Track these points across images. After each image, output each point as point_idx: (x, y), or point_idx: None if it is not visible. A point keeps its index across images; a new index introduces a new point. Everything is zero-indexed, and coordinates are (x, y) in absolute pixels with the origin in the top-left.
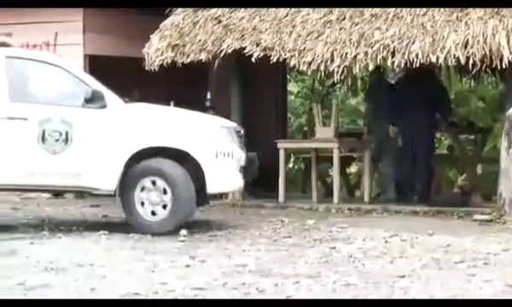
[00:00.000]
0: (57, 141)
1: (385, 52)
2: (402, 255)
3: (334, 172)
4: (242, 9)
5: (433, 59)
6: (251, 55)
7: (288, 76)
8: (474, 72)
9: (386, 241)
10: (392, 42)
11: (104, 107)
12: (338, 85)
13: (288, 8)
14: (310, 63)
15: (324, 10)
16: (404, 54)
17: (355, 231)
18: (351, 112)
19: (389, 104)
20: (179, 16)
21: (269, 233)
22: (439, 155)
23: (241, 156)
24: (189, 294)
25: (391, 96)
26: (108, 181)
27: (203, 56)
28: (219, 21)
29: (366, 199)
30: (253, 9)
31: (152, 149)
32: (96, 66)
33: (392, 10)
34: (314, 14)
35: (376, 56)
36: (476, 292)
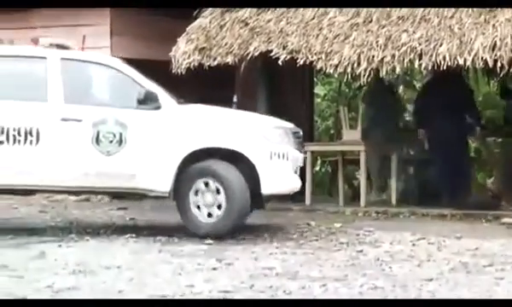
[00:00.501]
0: (111, 142)
1: (412, 54)
2: (429, 258)
3: (361, 175)
4: (269, 12)
5: (461, 61)
6: (277, 58)
7: (314, 79)
8: (501, 75)
9: (414, 245)
10: (420, 44)
11: (158, 108)
12: (365, 88)
13: (315, 11)
14: (336, 66)
15: (351, 13)
16: (431, 56)
17: (382, 234)
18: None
19: (416, 107)
20: (206, 19)
21: (296, 236)
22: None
23: (297, 157)
24: (216, 297)
25: (391, 101)
26: (163, 182)
27: (230, 59)
28: (246, 24)
29: (393, 202)
30: (280, 12)
31: (206, 150)
32: None
33: (419, 12)
34: (341, 17)
35: (403, 59)
36: (504, 296)
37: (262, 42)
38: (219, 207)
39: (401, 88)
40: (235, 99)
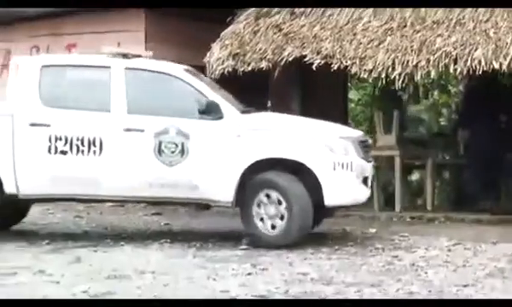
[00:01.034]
0: (173, 152)
1: (447, 59)
2: (465, 264)
3: (396, 180)
4: (303, 17)
5: (496, 65)
6: (311, 63)
7: (348, 83)
8: None
9: (449, 250)
10: (455, 49)
11: (220, 117)
12: (399, 93)
13: (349, 16)
14: (371, 71)
15: (385, 17)
16: (466, 61)
17: (417, 239)
18: (412, 119)
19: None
20: (240, 25)
21: (331, 241)
22: None
23: (363, 167)
24: None
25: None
26: (225, 193)
27: (263, 65)
28: (280, 29)
29: (428, 207)
30: (314, 17)
31: (268, 161)
32: None
33: (454, 17)
34: (375, 22)
35: (438, 63)
36: None
37: (296, 47)
38: (282, 218)
39: (436, 93)
40: (269, 104)
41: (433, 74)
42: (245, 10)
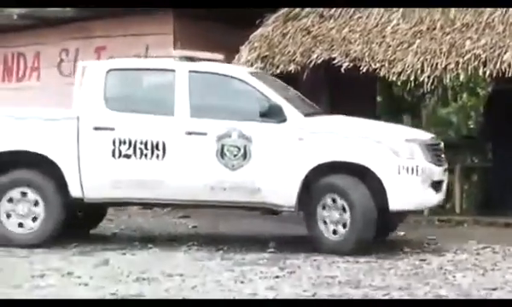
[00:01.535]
0: (235, 156)
1: (476, 62)
2: (494, 267)
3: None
4: (332, 20)
5: None
6: (340, 66)
7: (377, 86)
8: None
9: (478, 253)
10: (484, 51)
11: (283, 120)
12: (428, 95)
13: (378, 19)
14: (400, 73)
15: (414, 20)
16: (495, 63)
17: (445, 243)
18: (441, 122)
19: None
20: (268, 28)
21: None
22: None
23: (432, 171)
24: None
25: None
26: (287, 197)
27: (292, 67)
28: (308, 32)
29: (457, 210)
30: (343, 19)
31: (331, 164)
32: None
33: (483, 19)
34: (404, 25)
35: (467, 66)
36: None
37: (324, 50)
38: (344, 226)
39: (465, 95)
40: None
41: (462, 77)
42: (274, 13)
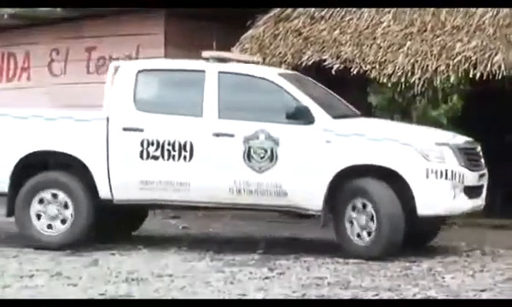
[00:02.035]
0: (262, 158)
1: (466, 64)
2: (483, 269)
3: None
4: (323, 21)
5: None
6: (331, 68)
7: (367, 88)
8: None
9: (468, 255)
10: (474, 53)
11: (311, 122)
12: (418, 97)
13: (369, 21)
14: (390, 75)
15: (405, 22)
16: (486, 66)
17: (435, 244)
18: (431, 124)
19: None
20: (259, 29)
21: None
22: None
23: (463, 175)
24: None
25: None
26: (314, 200)
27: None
28: (299, 33)
29: None
30: (334, 21)
31: (358, 167)
32: None
33: (474, 22)
34: (395, 26)
35: (458, 68)
36: None
37: (315, 51)
38: (370, 230)
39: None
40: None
41: (452, 79)
42: (265, 14)
